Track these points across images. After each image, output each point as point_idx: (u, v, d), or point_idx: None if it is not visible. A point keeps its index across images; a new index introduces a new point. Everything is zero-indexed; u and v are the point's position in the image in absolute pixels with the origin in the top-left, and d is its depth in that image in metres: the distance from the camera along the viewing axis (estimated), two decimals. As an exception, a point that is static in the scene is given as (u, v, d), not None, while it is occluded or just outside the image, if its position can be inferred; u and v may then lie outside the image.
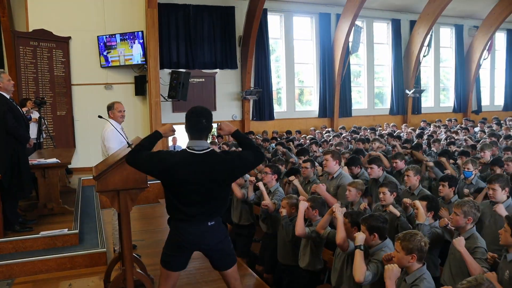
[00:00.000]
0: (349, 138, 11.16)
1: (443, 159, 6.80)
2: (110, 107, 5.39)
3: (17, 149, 5.45)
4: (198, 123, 3.23)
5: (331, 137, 11.45)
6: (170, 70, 11.91)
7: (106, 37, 10.73)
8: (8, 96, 5.46)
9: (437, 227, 4.13)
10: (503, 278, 3.32)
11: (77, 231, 5.73)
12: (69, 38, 10.60)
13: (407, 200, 4.53)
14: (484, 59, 17.64)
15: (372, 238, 3.66)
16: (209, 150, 3.23)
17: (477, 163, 6.02)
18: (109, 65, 10.93)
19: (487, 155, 7.01)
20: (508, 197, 4.45)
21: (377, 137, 9.57)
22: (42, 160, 6.37)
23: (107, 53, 10.82)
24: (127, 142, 4.36)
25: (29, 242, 5.42)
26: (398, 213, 4.32)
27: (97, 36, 10.74)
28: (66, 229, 5.68)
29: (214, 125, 6.11)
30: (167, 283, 3.40)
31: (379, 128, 14.11)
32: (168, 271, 3.37)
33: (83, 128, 10.84)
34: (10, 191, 5.41)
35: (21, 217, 5.91)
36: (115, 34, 10.71)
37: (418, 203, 4.19)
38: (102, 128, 5.47)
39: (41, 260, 5.18)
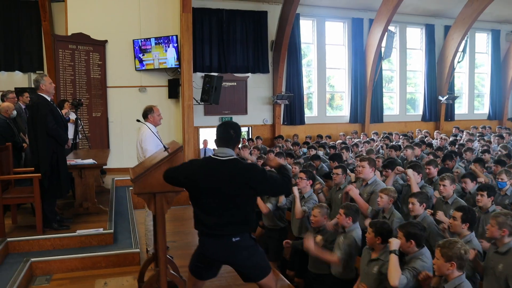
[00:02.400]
0: (381, 144, 11.08)
1: (474, 167, 6.66)
2: (149, 111, 5.50)
3: (57, 150, 5.64)
4: (226, 132, 3.33)
5: (362, 142, 11.38)
6: (202, 74, 12.09)
7: (141, 41, 10.95)
8: (49, 99, 5.66)
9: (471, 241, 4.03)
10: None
11: (112, 231, 5.88)
12: (106, 41, 10.86)
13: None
14: (522, 65, 17.19)
15: (408, 245, 3.65)
16: (232, 157, 3.27)
17: (512, 173, 5.88)
18: (144, 68, 11.14)
19: (522, 164, 6.84)
20: None
21: (409, 144, 9.43)
22: (79, 161, 6.56)
23: (142, 56, 11.04)
24: (164, 146, 4.44)
25: (66, 240, 5.59)
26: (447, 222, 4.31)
27: (133, 40, 10.97)
28: (102, 229, 5.83)
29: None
30: None
31: (411, 135, 13.92)
32: (195, 278, 3.44)
33: (117, 130, 11.09)
34: (49, 191, 5.61)
35: (59, 215, 6.10)
36: (150, 38, 10.92)
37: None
38: (139, 131, 5.58)
39: (77, 258, 5.34)
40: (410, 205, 4.68)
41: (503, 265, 3.54)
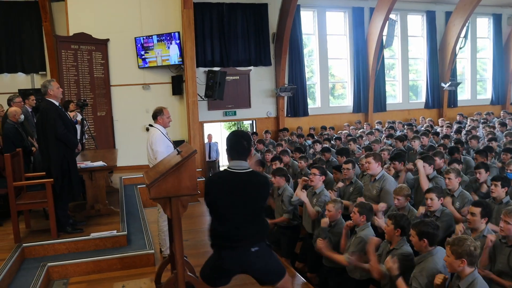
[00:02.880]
0: (385, 135, 11.11)
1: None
2: (159, 113, 5.49)
3: (67, 154, 5.68)
4: (239, 144, 3.36)
5: (366, 133, 11.39)
6: (205, 69, 12.09)
7: (143, 39, 10.95)
8: (57, 103, 5.68)
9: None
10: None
11: (125, 232, 5.93)
12: (108, 40, 10.86)
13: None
14: (525, 49, 17.11)
15: (421, 243, 3.68)
16: (249, 170, 3.33)
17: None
18: (147, 65, 11.15)
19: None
20: None
21: (416, 135, 9.44)
22: (89, 163, 6.60)
23: (145, 54, 11.04)
24: (176, 149, 4.47)
25: (81, 244, 5.65)
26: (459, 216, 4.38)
27: (135, 38, 10.97)
28: (115, 231, 5.88)
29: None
30: None
31: (414, 123, 13.93)
32: (208, 285, 3.48)
33: (122, 128, 11.13)
34: (62, 195, 5.66)
35: (72, 219, 6.14)
36: (152, 35, 10.91)
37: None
38: (149, 133, 5.60)
39: (93, 261, 5.39)
40: (429, 201, 4.73)
41: None
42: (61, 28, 11.07)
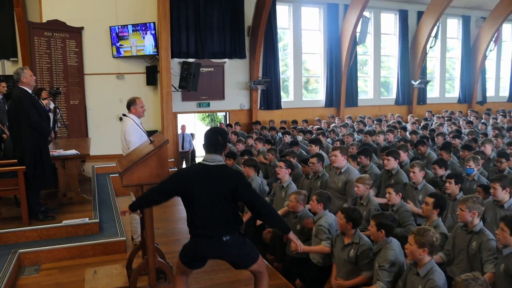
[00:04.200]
0: (356, 129, 11.41)
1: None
2: (132, 102, 5.51)
3: (40, 142, 5.73)
4: (215, 139, 3.52)
5: (338, 126, 11.68)
6: (180, 60, 12.11)
7: (118, 28, 10.92)
8: (30, 91, 5.70)
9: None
10: (498, 270, 3.65)
11: (97, 220, 6.02)
12: (82, 28, 10.79)
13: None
14: (491, 50, 17.69)
15: (379, 234, 3.93)
16: (221, 163, 3.50)
17: (479, 159, 6.24)
18: (121, 55, 11.13)
19: (488, 150, 7.24)
20: (510, 197, 4.71)
21: (382, 129, 9.78)
22: (62, 152, 6.63)
23: (119, 43, 11.02)
24: (149, 138, 4.59)
25: (53, 231, 5.72)
26: (420, 211, 4.62)
27: (110, 27, 10.92)
28: (87, 218, 5.97)
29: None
30: (184, 274, 3.73)
31: (384, 118, 14.28)
32: (186, 267, 3.66)
33: (95, 117, 11.11)
34: (34, 182, 5.70)
35: (43, 206, 6.19)
36: (127, 25, 10.89)
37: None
38: (123, 123, 5.67)
39: (65, 248, 5.48)
40: (387, 195, 4.99)
41: (477, 243, 3.97)
42: (34, 15, 10.91)
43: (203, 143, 3.57)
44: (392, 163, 6.14)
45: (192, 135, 13.67)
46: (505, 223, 3.64)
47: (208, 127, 3.66)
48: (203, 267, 3.75)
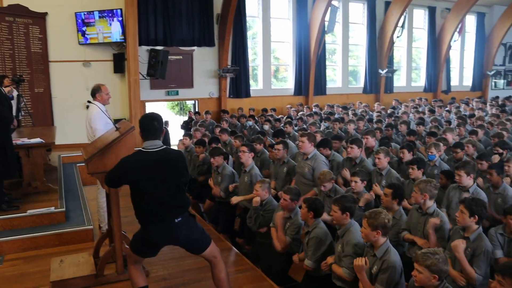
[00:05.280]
0: (322, 117, 11.58)
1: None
2: (97, 90, 5.44)
3: (2, 130, 5.58)
4: (151, 125, 3.53)
5: (305, 115, 11.80)
6: (148, 47, 11.94)
7: (84, 14, 10.68)
8: (-9, 78, 5.55)
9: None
10: (465, 253, 3.76)
11: (63, 209, 5.93)
12: (46, 14, 10.51)
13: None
14: (455, 41, 18.13)
15: (344, 217, 4.02)
16: (162, 147, 3.53)
17: (441, 146, 6.44)
18: (87, 42, 10.91)
19: (450, 138, 7.47)
20: (474, 182, 4.96)
21: (352, 118, 9.95)
22: (26, 140, 6.49)
23: (85, 30, 10.79)
24: (115, 125, 4.54)
25: (17, 221, 5.61)
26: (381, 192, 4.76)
27: (75, 13, 10.68)
28: (53, 208, 5.87)
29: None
30: (137, 263, 3.74)
31: (351, 107, 14.49)
32: (138, 256, 3.68)
33: (61, 105, 10.89)
34: (-3, 171, 5.56)
35: (7, 196, 6.06)
36: (93, 11, 10.67)
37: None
38: (88, 111, 5.59)
39: (30, 238, 5.38)
40: (353, 183, 5.12)
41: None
42: (-6, -2, 10.58)
43: (139, 131, 3.56)
44: (355, 151, 6.24)
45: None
46: (464, 206, 3.80)
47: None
48: (155, 256, 3.77)
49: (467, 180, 4.90)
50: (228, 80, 13.72)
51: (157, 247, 3.63)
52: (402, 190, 4.69)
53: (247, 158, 6.08)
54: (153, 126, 3.52)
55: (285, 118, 11.84)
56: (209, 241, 3.72)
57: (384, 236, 3.57)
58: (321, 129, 9.66)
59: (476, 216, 3.73)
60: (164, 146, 3.55)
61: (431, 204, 4.28)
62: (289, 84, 15.39)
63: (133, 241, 3.66)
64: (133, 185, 3.49)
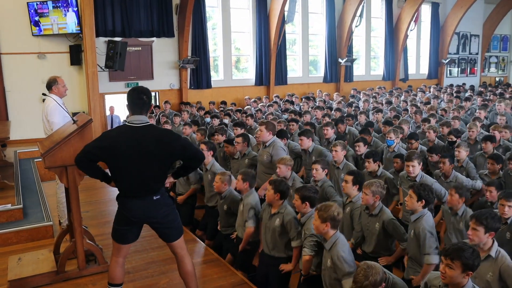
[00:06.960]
0: (281, 109, 11.69)
1: None
2: (53, 82, 5.29)
3: (-47, 125, 5.38)
4: (139, 99, 3.44)
5: (266, 106, 11.85)
6: (106, 39, 11.69)
7: (36, 4, 10.33)
8: None
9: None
10: (409, 235, 4.03)
11: (21, 206, 5.79)
12: (-4, 4, 10.12)
13: None
14: (411, 30, 18.56)
15: (304, 206, 4.13)
16: (147, 123, 3.44)
17: (398, 132, 6.63)
18: (42, 33, 10.57)
19: (406, 129, 7.69)
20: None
21: (308, 110, 10.13)
22: (-21, 136, 6.28)
23: (39, 20, 10.44)
24: (72, 119, 4.45)
25: (-28, 219, 5.44)
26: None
27: (27, 3, 10.31)
28: (10, 205, 5.72)
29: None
30: (120, 254, 3.66)
31: (311, 96, 14.66)
32: (120, 244, 3.62)
33: (16, 99, 10.56)
34: None
35: (-40, 193, 5.86)
36: (46, 1, 10.34)
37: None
38: (44, 104, 5.44)
39: (-15, 236, 5.23)
40: (314, 171, 5.19)
41: (379, 224, 4.30)
42: None
43: (126, 103, 3.46)
44: (305, 143, 6.34)
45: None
46: (413, 190, 4.01)
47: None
48: (137, 239, 3.71)
49: (418, 170, 5.19)
50: (189, 71, 13.61)
51: (137, 224, 3.57)
52: (362, 177, 4.80)
53: (206, 156, 6.05)
54: (141, 100, 3.42)
55: (245, 108, 11.85)
56: (182, 232, 3.71)
57: (333, 229, 3.64)
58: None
59: (423, 201, 3.95)
60: (150, 123, 3.45)
61: (377, 205, 4.33)
62: (250, 74, 15.39)
63: (113, 227, 3.60)
64: (112, 160, 3.39)
